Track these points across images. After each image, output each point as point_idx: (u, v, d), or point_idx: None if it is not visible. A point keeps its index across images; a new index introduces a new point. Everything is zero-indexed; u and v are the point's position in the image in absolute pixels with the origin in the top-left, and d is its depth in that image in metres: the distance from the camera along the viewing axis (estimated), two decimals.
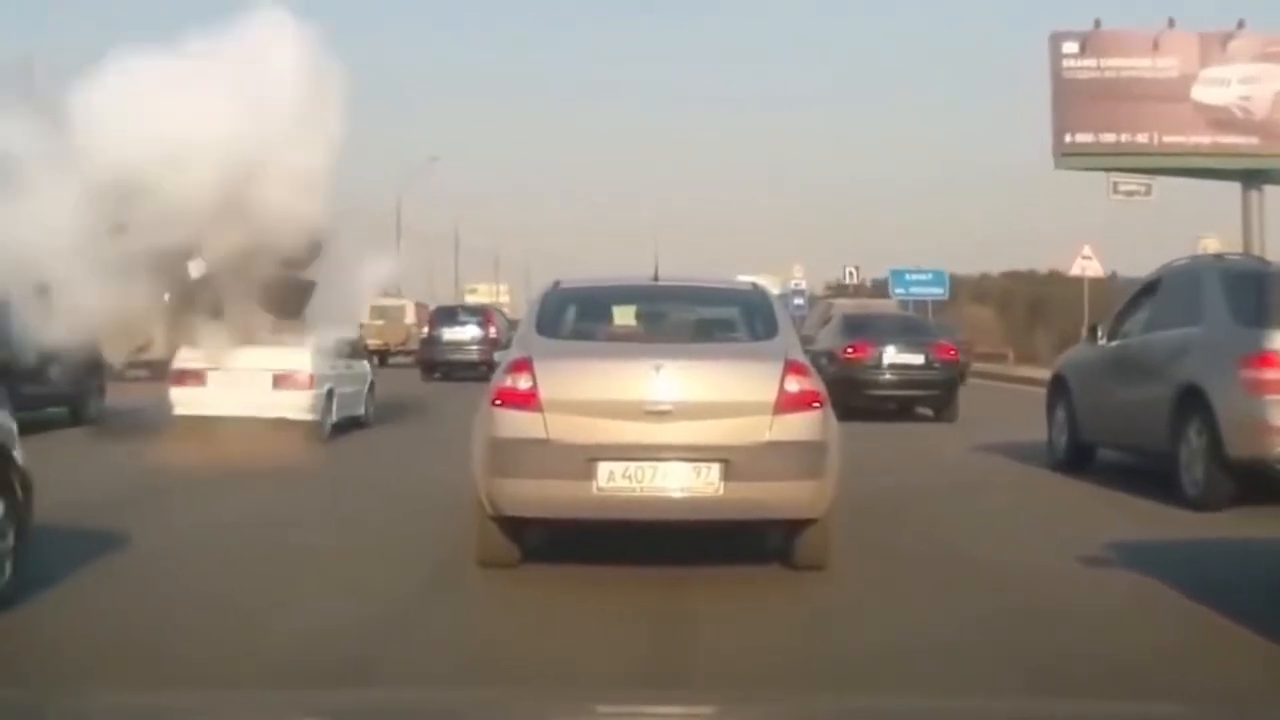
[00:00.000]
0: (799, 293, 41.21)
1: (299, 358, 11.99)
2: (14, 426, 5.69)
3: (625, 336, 6.80)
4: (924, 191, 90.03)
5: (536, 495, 5.81)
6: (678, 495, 5.77)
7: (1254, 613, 5.20)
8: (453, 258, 62.07)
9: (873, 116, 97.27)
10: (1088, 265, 26.10)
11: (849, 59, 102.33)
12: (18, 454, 5.56)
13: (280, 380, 11.85)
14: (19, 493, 5.50)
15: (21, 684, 4.30)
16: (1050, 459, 10.38)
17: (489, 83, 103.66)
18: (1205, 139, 24.28)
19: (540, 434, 5.80)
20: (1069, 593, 5.92)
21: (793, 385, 5.90)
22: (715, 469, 5.74)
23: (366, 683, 4.37)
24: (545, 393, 5.84)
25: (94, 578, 5.88)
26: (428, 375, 24.13)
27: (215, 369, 11.75)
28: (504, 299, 53.10)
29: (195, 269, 11.43)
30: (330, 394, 12.44)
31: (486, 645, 5.08)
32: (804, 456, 5.83)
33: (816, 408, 5.95)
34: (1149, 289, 9.73)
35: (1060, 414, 10.35)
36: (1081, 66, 24.63)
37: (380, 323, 28.70)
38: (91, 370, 13.65)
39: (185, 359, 11.98)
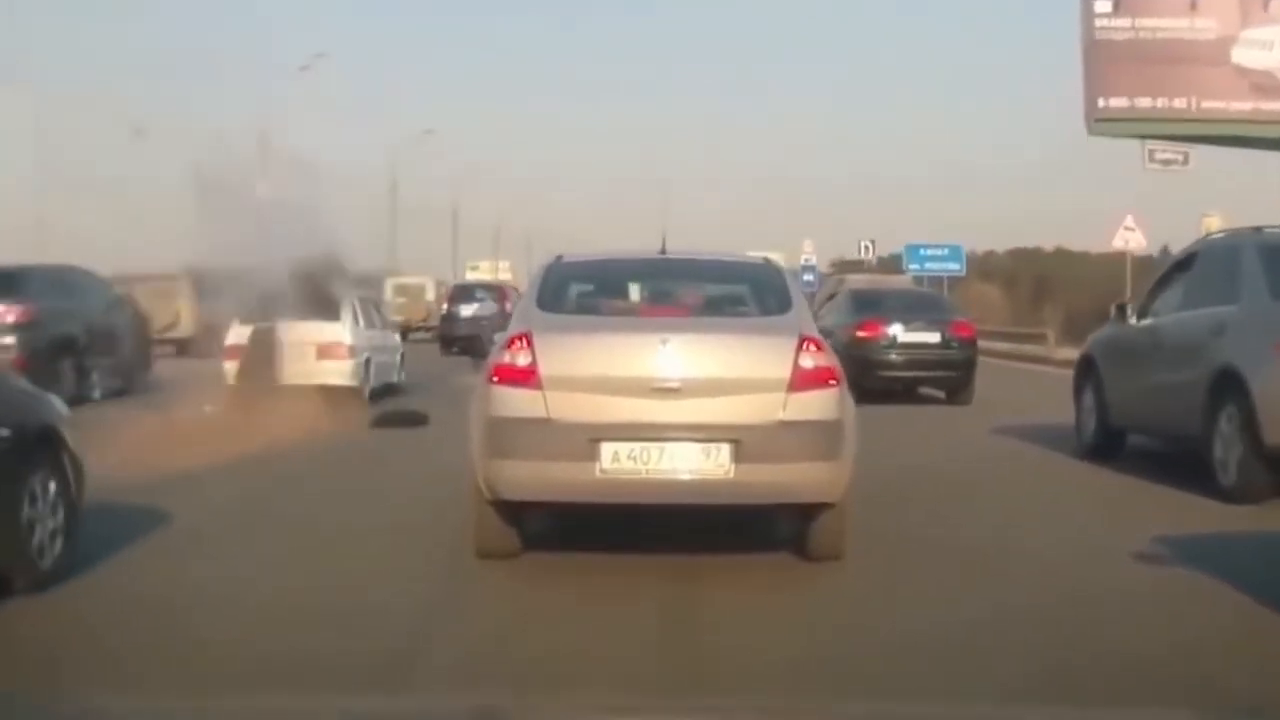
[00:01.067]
0: (809, 269, 40.71)
1: (339, 331, 13.50)
2: (66, 411, 5.81)
3: (630, 311, 6.46)
4: (940, 167, 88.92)
5: (536, 478, 5.52)
6: (686, 478, 5.47)
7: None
8: (451, 234, 61.98)
9: (888, 91, 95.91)
10: (1130, 237, 24.77)
11: (866, 31, 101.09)
12: (69, 436, 5.66)
13: (323, 351, 13.24)
14: (70, 474, 5.59)
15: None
16: (1078, 445, 9.82)
17: (489, 54, 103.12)
18: (1246, 105, 23.50)
19: (540, 413, 5.50)
20: (1093, 588, 5.55)
21: (807, 361, 5.57)
22: (725, 450, 5.42)
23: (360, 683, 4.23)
24: (545, 369, 5.53)
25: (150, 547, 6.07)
26: (446, 350, 24.77)
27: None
28: (505, 276, 52.85)
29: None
30: (368, 362, 13.99)
31: (488, 642, 4.81)
32: (819, 436, 5.51)
33: (833, 385, 5.62)
34: (1183, 264, 9.12)
35: (1088, 398, 9.80)
36: (1115, 27, 23.82)
37: (402, 300, 29.53)
38: (141, 346, 15.89)
39: (237, 335, 13.06)
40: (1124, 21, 23.82)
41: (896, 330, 14.87)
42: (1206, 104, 23.66)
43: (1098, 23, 23.85)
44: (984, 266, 44.09)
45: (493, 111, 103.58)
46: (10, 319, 13.15)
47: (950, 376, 14.83)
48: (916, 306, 16.17)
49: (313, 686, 4.08)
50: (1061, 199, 76.90)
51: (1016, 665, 4.40)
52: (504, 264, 64.03)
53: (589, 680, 4.25)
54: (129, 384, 14.84)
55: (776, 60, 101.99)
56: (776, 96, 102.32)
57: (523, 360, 5.57)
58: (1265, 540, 6.32)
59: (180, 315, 21.85)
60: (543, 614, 5.15)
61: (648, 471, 5.43)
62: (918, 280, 28.77)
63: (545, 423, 5.48)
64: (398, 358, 15.77)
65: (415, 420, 11.60)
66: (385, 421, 11.64)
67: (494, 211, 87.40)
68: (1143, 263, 27.44)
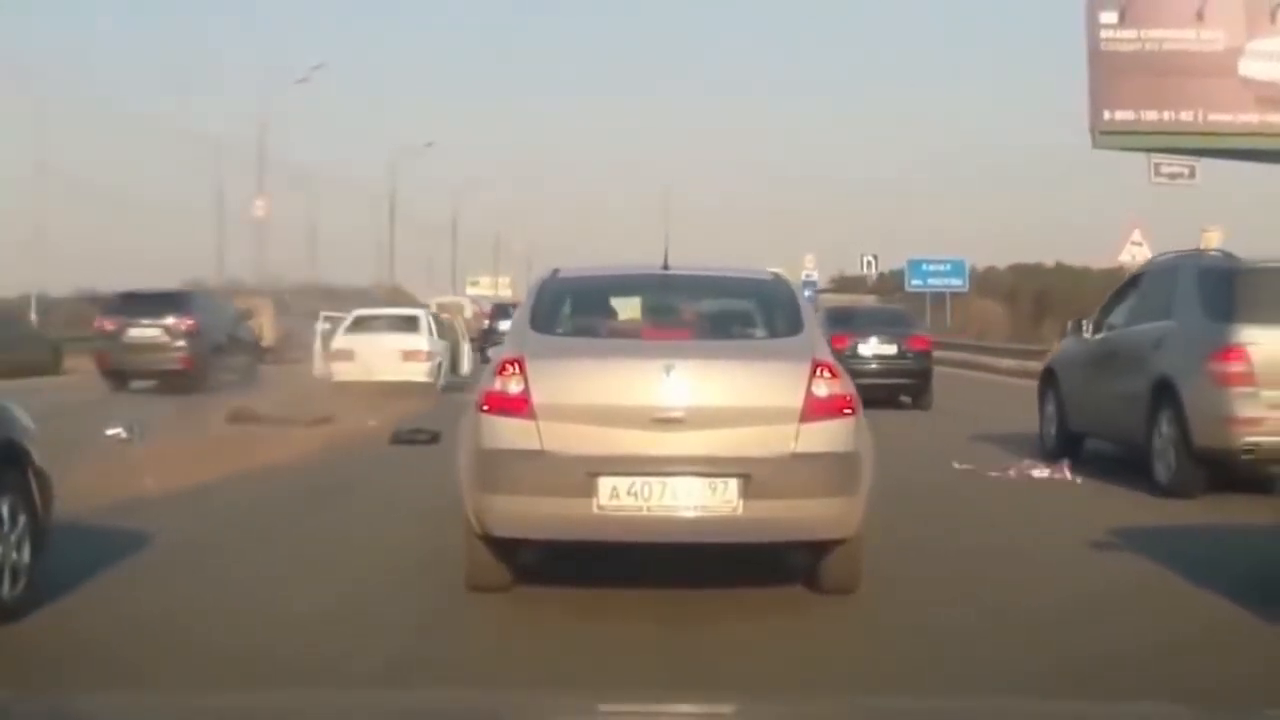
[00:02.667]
0: (810, 284, 40.47)
1: (418, 340, 17.95)
2: (31, 424, 5.44)
3: (631, 333, 6.05)
4: (943, 181, 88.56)
5: (529, 514, 5.13)
6: (690, 515, 5.08)
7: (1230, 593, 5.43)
8: (451, 248, 61.73)
9: (888, 103, 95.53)
10: (1137, 252, 24.22)
11: (869, 40, 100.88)
12: (34, 451, 5.30)
13: (407, 355, 17.54)
14: (35, 494, 5.25)
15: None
16: (1041, 449, 10.54)
17: (488, 66, 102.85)
18: (1253, 117, 23.17)
19: (533, 444, 5.11)
20: (1050, 572, 6.23)
21: (821, 389, 5.19)
22: (733, 485, 5.04)
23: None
24: (539, 397, 5.14)
25: None
26: (483, 359, 26.03)
27: (363, 348, 17.33)
28: (505, 292, 52.59)
29: None
30: (440, 365, 18.13)
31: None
32: (834, 470, 5.12)
33: (848, 414, 5.24)
34: (1132, 283, 10.11)
35: (1050, 406, 10.69)
36: (1121, 38, 23.50)
37: (446, 316, 31.47)
38: (255, 351, 21.49)
39: (341, 342, 17.74)
40: (1129, 33, 23.49)
41: (858, 342, 16.29)
42: (1213, 117, 23.32)
43: (1103, 34, 23.51)
44: (985, 282, 44.03)
45: (492, 125, 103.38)
46: (183, 329, 18.52)
47: (907, 383, 16.26)
48: (879, 322, 17.89)
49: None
50: (1065, 213, 76.74)
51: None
52: (504, 279, 63.78)
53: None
54: (248, 380, 18.51)
55: (777, 73, 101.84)
56: (777, 112, 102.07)
57: (514, 388, 5.18)
58: (1199, 531, 7.09)
59: (264, 328, 25.23)
60: (537, 647, 4.80)
61: (649, 508, 5.05)
62: (915, 296, 28.62)
63: (539, 455, 5.10)
64: (465, 359, 20.15)
65: (427, 438, 11.47)
66: (401, 439, 11.78)
67: (493, 224, 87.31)
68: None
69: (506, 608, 5.43)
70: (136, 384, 18.39)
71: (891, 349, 16.46)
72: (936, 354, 18.61)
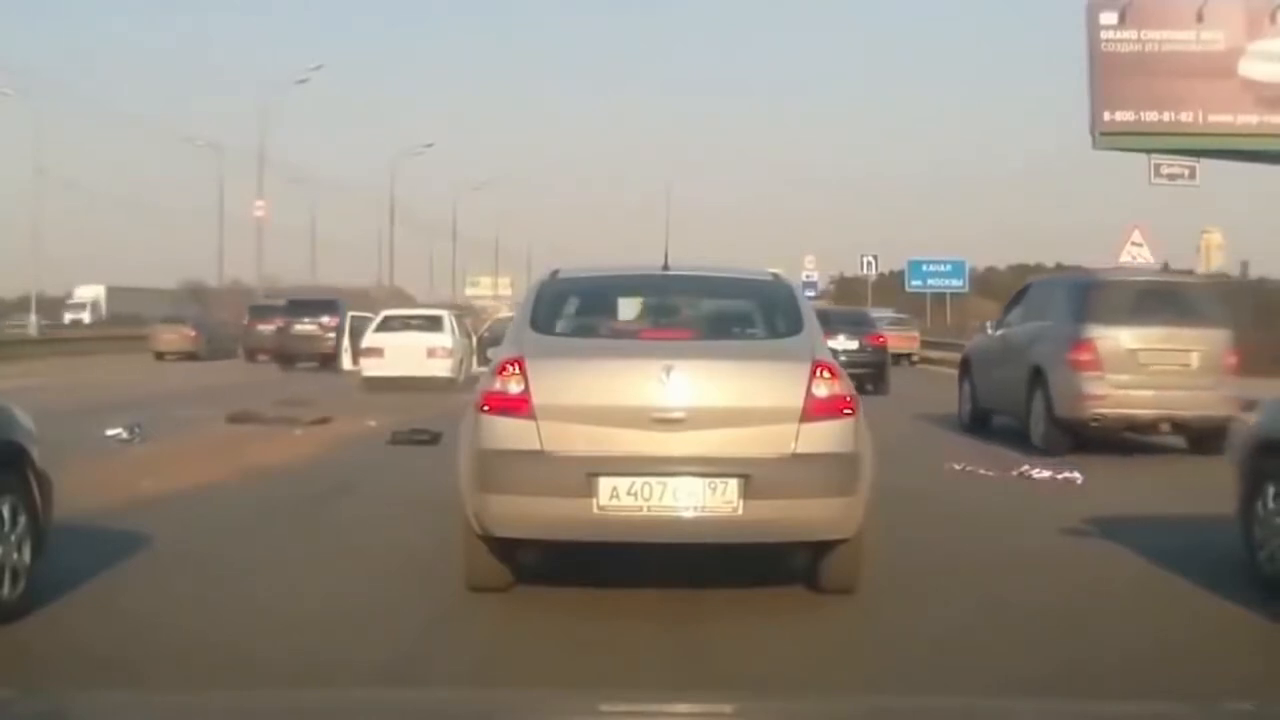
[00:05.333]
0: (810, 285, 40.45)
1: (442, 339, 19.62)
2: (32, 425, 5.42)
3: (631, 333, 6.04)
4: (945, 182, 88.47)
5: (529, 514, 5.12)
6: (690, 515, 5.06)
7: None
8: (451, 248, 61.64)
9: (890, 103, 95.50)
10: (1138, 253, 24.07)
11: (871, 43, 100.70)
12: (34, 453, 5.28)
13: (431, 352, 19.23)
14: (36, 496, 5.22)
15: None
16: (959, 423, 13.43)
17: (488, 67, 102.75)
18: (1253, 118, 23.16)
19: (533, 445, 5.10)
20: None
21: (821, 389, 5.17)
22: (733, 485, 5.02)
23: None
24: (539, 397, 5.13)
25: None
26: (483, 360, 27.61)
27: (391, 346, 19.16)
28: (505, 292, 52.59)
29: None
30: (462, 361, 19.45)
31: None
32: (834, 470, 5.11)
33: (848, 415, 5.22)
34: (1024, 292, 13.07)
35: (965, 388, 13.59)
36: (1121, 39, 23.50)
37: (468, 318, 32.17)
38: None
39: (370, 340, 19.44)
40: (1130, 34, 23.49)
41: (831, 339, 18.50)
42: (1213, 117, 23.31)
43: (1103, 35, 23.51)
44: (985, 282, 44.04)
45: (491, 125, 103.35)
46: (333, 326, 25.04)
47: (866, 372, 18.27)
48: (847, 322, 20.99)
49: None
50: (1065, 214, 76.65)
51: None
52: (504, 280, 63.80)
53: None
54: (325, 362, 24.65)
55: (778, 74, 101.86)
56: (778, 113, 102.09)
57: (514, 388, 5.17)
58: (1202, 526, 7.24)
59: None
60: (537, 648, 4.77)
61: (649, 509, 5.03)
62: (915, 296, 28.88)
63: (538, 455, 5.08)
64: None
65: (428, 439, 11.46)
66: (401, 440, 11.74)
67: (493, 225, 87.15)
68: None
69: (505, 609, 5.41)
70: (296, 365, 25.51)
71: (854, 344, 19.55)
72: (935, 354, 22.01)
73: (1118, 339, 10.74)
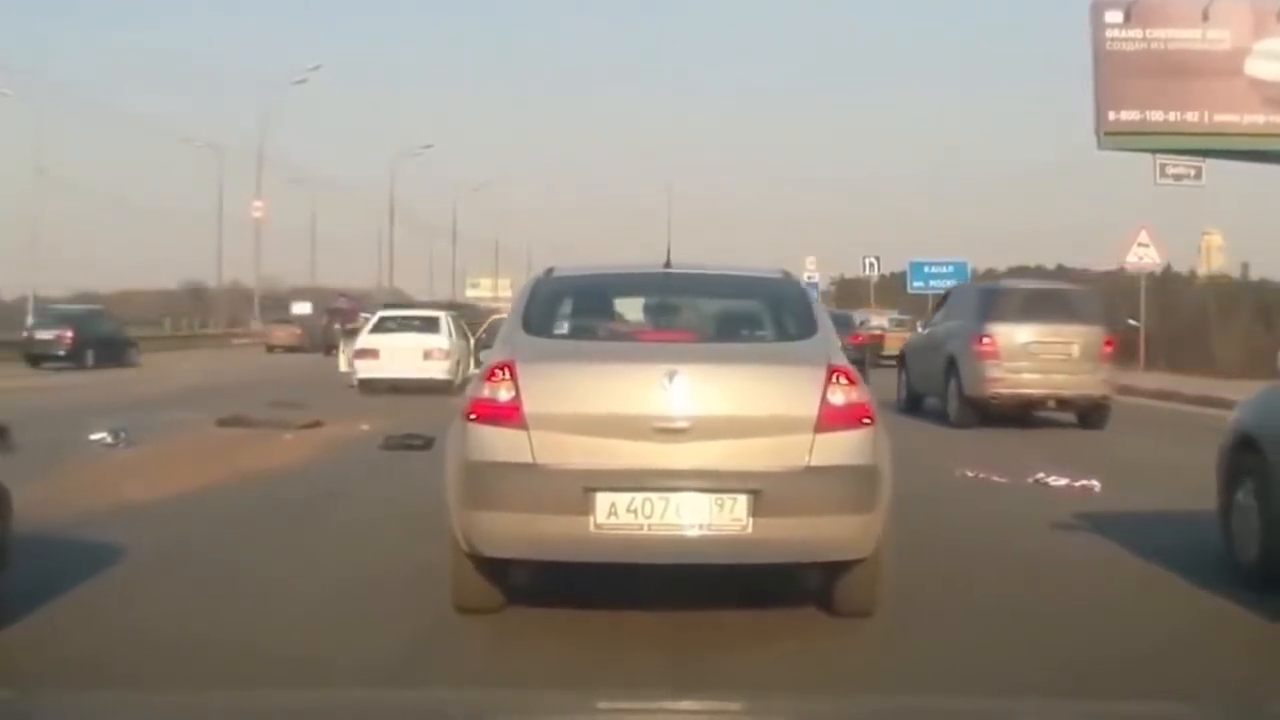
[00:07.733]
0: (811, 286, 40.15)
1: (439, 340, 19.18)
2: None
3: (631, 335, 5.64)
4: (947, 182, 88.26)
5: (521, 533, 4.75)
6: (695, 534, 4.70)
7: None
8: (451, 249, 61.37)
9: (892, 104, 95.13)
10: (1144, 254, 23.54)
11: (872, 43, 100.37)
12: None
13: (428, 353, 18.81)
14: None
15: None
16: (897, 405, 15.47)
17: (488, 67, 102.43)
18: (1259, 118, 22.80)
19: (525, 457, 4.73)
20: None
21: (837, 396, 4.81)
22: (743, 501, 4.66)
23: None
24: (531, 405, 4.76)
25: None
26: (475, 363, 28.48)
27: (386, 347, 18.75)
28: (505, 293, 52.39)
29: None
30: (458, 362, 18.54)
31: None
32: (851, 485, 4.75)
33: (866, 424, 4.86)
34: (947, 296, 16.52)
35: (903, 375, 16.34)
36: (1126, 38, 23.11)
37: (471, 321, 32.92)
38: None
39: (365, 341, 19.17)
40: (1135, 33, 23.12)
41: None
42: (1219, 117, 22.93)
43: (1108, 34, 23.12)
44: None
45: (491, 126, 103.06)
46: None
47: None
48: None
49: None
50: (1067, 215, 76.35)
51: None
52: (504, 281, 63.51)
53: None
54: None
55: (779, 74, 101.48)
56: (780, 114, 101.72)
57: (504, 395, 4.79)
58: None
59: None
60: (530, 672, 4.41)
61: (651, 526, 4.66)
62: (917, 298, 28.82)
63: (531, 469, 4.71)
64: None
65: (422, 444, 11.14)
66: (393, 444, 11.45)
67: (493, 226, 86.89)
68: (1158, 281, 26.75)
69: (498, 625, 5.07)
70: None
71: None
72: None
73: (1013, 334, 13.76)
